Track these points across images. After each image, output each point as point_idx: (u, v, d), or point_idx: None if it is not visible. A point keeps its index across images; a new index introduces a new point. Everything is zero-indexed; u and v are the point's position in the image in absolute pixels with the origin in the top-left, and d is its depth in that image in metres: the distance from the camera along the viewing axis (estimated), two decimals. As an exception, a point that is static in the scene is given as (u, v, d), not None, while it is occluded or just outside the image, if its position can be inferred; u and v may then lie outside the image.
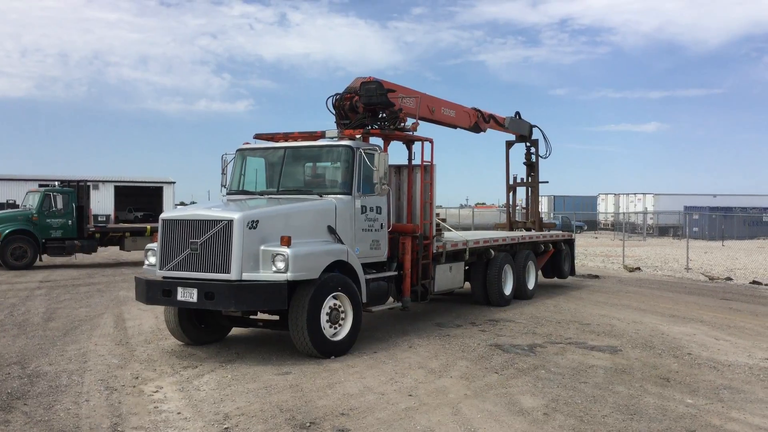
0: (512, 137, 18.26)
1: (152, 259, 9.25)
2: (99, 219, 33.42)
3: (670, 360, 9.07)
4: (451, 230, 14.40)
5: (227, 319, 9.88)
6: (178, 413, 6.60)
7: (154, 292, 8.86)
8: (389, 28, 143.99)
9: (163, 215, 9.14)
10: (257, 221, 8.60)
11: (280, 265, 8.40)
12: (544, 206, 63.31)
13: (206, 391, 7.36)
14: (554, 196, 66.78)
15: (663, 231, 55.14)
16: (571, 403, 6.96)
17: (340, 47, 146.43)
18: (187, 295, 8.50)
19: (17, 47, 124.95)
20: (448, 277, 12.44)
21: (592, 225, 62.22)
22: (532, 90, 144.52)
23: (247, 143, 10.89)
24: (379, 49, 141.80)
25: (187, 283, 8.56)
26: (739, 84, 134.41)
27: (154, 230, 23.31)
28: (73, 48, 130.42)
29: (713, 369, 8.60)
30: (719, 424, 6.39)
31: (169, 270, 8.80)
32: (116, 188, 56.07)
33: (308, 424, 6.23)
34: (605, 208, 64.67)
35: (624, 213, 54.77)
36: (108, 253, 26.74)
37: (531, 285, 15.26)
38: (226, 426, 6.19)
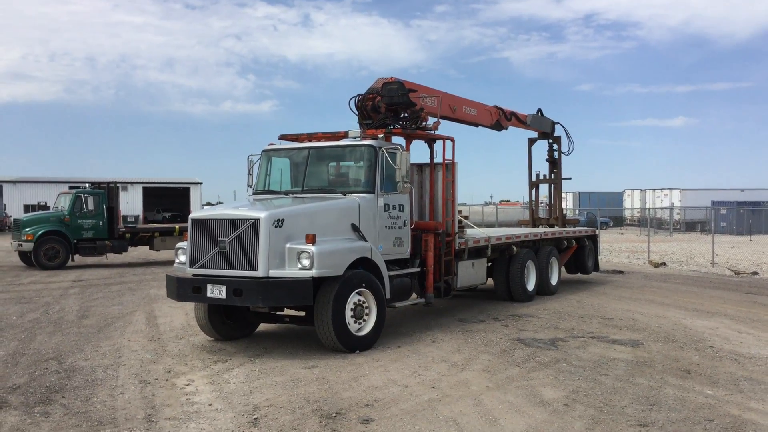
0: (534, 134, 18.36)
1: (182, 258, 9.53)
2: (128, 220, 34.04)
3: (692, 353, 9.15)
4: (473, 227, 14.54)
5: (255, 315, 10.14)
6: (210, 405, 6.86)
7: (184, 289, 9.14)
8: (412, 26, 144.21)
9: (192, 215, 9.42)
10: (283, 220, 8.84)
11: (306, 262, 8.63)
12: (569, 203, 63.09)
13: (236, 384, 7.62)
14: (579, 193, 66.45)
15: (690, 226, 54.64)
16: (592, 395, 7.10)
17: (364, 47, 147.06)
18: (217, 292, 8.77)
19: (46, 52, 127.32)
20: (471, 273, 12.60)
21: (618, 221, 61.83)
22: (557, 86, 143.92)
23: (272, 144, 11.14)
24: (402, 48, 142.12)
25: (216, 280, 8.82)
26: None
27: (182, 230, 23.81)
28: (100, 52, 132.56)
29: (734, 361, 8.67)
30: (737, 413, 6.50)
31: (198, 268, 9.08)
32: (144, 189, 57.09)
33: (334, 415, 6.45)
34: (631, 203, 64.23)
35: (650, 208, 54.33)
36: (138, 252, 27.23)
37: (554, 281, 15.34)
38: (255, 416, 6.44)
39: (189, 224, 9.29)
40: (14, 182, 55.30)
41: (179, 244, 9.76)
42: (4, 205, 52.62)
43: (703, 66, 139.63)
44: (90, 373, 8.16)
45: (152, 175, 62.53)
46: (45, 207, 43.61)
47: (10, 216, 48.80)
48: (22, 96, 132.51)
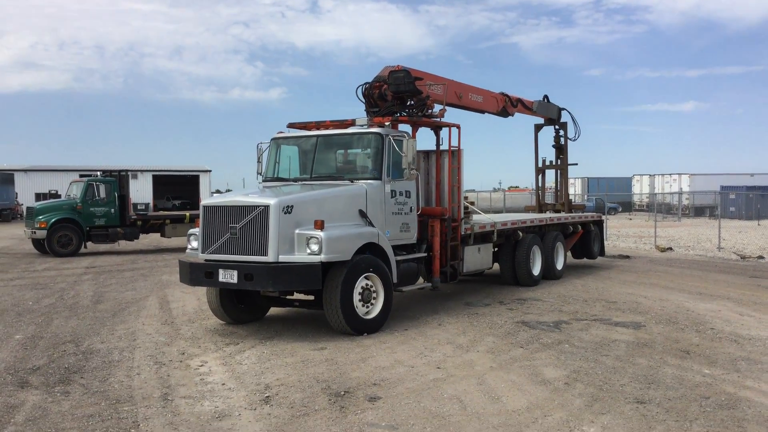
0: (541, 121, 18.50)
1: (194, 244, 9.79)
2: (138, 207, 34.37)
3: (692, 334, 9.35)
4: (479, 213, 14.74)
5: (265, 300, 10.41)
6: (223, 384, 7.12)
7: (197, 274, 9.40)
8: (420, 11, 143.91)
9: (204, 202, 9.66)
10: (292, 206, 9.06)
11: (315, 247, 8.86)
12: (578, 188, 63.15)
13: (248, 365, 7.88)
14: (588, 178, 66.46)
15: (699, 211, 54.56)
16: (592, 374, 7.32)
17: (372, 33, 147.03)
18: (228, 277, 9.02)
19: (55, 41, 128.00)
20: (477, 258, 12.82)
21: (627, 206, 61.82)
22: (567, 71, 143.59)
23: (281, 132, 11.36)
24: (410, 34, 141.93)
25: (227, 265, 9.07)
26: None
27: (193, 217, 24.11)
28: (109, 40, 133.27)
29: (734, 342, 8.87)
30: (733, 391, 6.70)
31: (210, 253, 9.33)
32: (154, 177, 57.37)
33: (343, 393, 6.70)
34: (640, 189, 64.16)
35: (658, 193, 54.28)
36: (149, 240, 27.60)
37: (559, 265, 15.54)
38: (267, 395, 6.70)
39: (201, 211, 9.53)
40: (26, 171, 55.77)
41: (191, 231, 10.01)
42: (16, 193, 53.11)
43: (713, 50, 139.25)
44: (107, 355, 8.45)
45: (161, 162, 62.82)
46: (56, 195, 44.13)
47: (22, 204, 49.39)
48: (32, 85, 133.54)
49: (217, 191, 64.57)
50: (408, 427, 5.75)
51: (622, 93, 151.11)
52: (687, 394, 6.61)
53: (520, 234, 14.14)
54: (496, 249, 14.02)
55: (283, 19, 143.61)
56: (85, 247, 23.29)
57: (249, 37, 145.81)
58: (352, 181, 10.20)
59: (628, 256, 21.10)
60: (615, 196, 59.57)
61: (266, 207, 8.94)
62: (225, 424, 5.91)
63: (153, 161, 67.11)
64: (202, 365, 7.94)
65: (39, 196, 47.23)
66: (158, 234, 25.01)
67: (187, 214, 24.95)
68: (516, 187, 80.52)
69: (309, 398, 6.59)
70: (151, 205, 52.00)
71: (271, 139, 11.27)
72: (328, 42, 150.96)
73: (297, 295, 10.37)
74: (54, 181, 53.64)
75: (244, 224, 9.06)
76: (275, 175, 11.08)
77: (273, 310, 11.12)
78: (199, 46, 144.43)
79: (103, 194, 23.28)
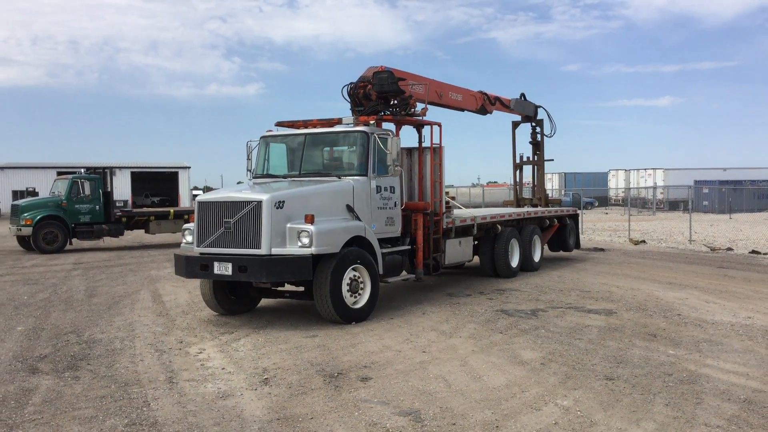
0: (518, 118, 19.10)
1: (189, 238, 10.23)
2: (117, 204, 34.54)
3: (660, 320, 9.99)
4: (460, 207, 15.33)
5: (257, 291, 10.88)
6: (223, 368, 7.60)
7: (192, 266, 9.85)
8: (399, 7, 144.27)
9: (198, 198, 10.11)
10: (283, 202, 9.55)
11: (305, 240, 9.36)
12: (555, 183, 64.18)
13: (244, 352, 8.37)
14: (565, 173, 67.50)
15: (673, 205, 55.73)
16: (566, 355, 7.91)
17: (350, 28, 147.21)
18: (223, 269, 9.49)
19: (28, 35, 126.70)
20: (458, 250, 13.39)
21: (604, 201, 62.89)
22: (544, 66, 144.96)
23: (270, 131, 11.82)
24: (389, 29, 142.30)
25: (222, 258, 9.54)
26: (753, 56, 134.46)
27: (176, 214, 24.45)
28: (83, 35, 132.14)
29: (698, 326, 9.51)
30: (694, 369, 7.32)
31: (205, 247, 9.79)
32: (133, 174, 57.33)
33: (336, 375, 7.22)
34: (616, 183, 65.25)
35: (633, 188, 55.35)
36: (133, 236, 27.82)
37: (537, 258, 16.17)
38: (266, 377, 7.20)
39: (196, 207, 9.98)
40: (1, 168, 55.50)
41: (186, 226, 10.46)
42: (-7, 191, 52.92)
43: (689, 45, 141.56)
44: (109, 344, 8.88)
45: (138, 159, 62.81)
46: (34, 193, 44.06)
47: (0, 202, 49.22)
48: (4, 81, 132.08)
49: (195, 188, 64.69)
50: (399, 402, 6.29)
51: (598, 88, 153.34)
52: (652, 372, 7.21)
53: (499, 227, 14.73)
54: (476, 242, 14.60)
55: (261, 14, 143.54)
56: (71, 243, 23.55)
57: (226, 31, 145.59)
58: (339, 178, 10.69)
59: (602, 249, 21.82)
60: (591, 191, 60.62)
61: (259, 202, 9.41)
62: (229, 402, 6.40)
63: (129, 158, 67.05)
64: (200, 352, 8.41)
65: (16, 194, 47.13)
66: (142, 230, 25.26)
67: (172, 210, 25.26)
68: (494, 182, 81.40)
69: (305, 379, 7.10)
70: (130, 202, 52.10)
71: (261, 137, 11.73)
72: (305, 37, 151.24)
73: (288, 286, 10.86)
74: (31, 178, 53.48)
75: (238, 219, 9.52)
76: (265, 172, 11.53)
77: (263, 302, 11.60)
78: (175, 41, 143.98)
79: (87, 191, 23.56)
